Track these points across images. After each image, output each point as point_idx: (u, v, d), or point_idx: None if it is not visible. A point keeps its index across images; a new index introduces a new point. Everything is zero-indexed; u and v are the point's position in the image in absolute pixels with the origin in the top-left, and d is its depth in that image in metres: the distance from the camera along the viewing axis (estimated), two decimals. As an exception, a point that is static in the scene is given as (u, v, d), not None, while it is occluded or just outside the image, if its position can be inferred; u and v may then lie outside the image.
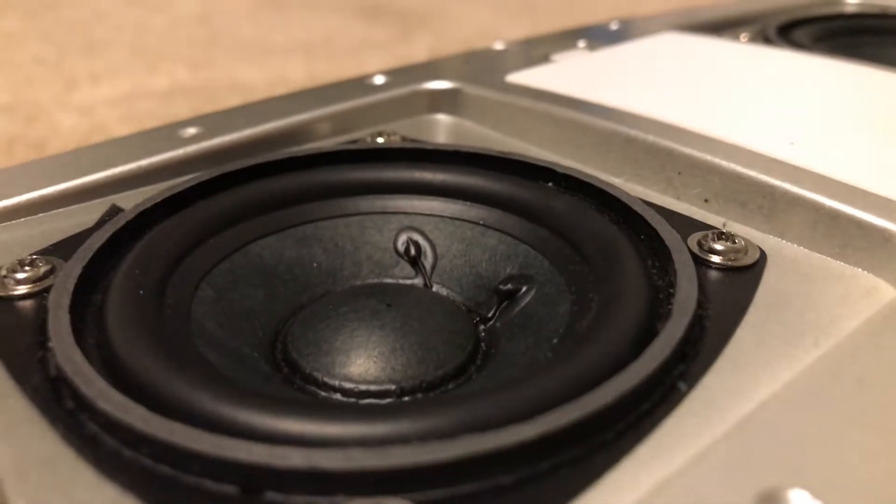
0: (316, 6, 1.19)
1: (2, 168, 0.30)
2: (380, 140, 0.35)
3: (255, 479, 0.15)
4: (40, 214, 0.28)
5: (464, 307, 0.27)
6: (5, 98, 0.72)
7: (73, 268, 0.22)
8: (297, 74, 0.79)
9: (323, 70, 0.81)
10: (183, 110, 0.34)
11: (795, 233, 0.26)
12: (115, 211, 0.28)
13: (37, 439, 0.17)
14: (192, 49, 0.92)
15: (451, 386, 0.23)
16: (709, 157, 0.29)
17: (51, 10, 1.18)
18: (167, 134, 0.33)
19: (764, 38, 0.51)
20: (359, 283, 0.28)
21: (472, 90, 0.38)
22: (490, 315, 0.27)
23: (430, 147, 0.31)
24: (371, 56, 0.87)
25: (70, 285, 0.21)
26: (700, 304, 0.22)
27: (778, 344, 0.20)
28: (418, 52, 0.89)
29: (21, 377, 0.19)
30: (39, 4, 1.22)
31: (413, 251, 0.29)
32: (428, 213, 0.29)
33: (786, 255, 0.25)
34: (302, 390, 0.23)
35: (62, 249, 0.25)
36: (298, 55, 0.88)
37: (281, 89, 0.40)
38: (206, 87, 0.75)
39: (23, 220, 0.28)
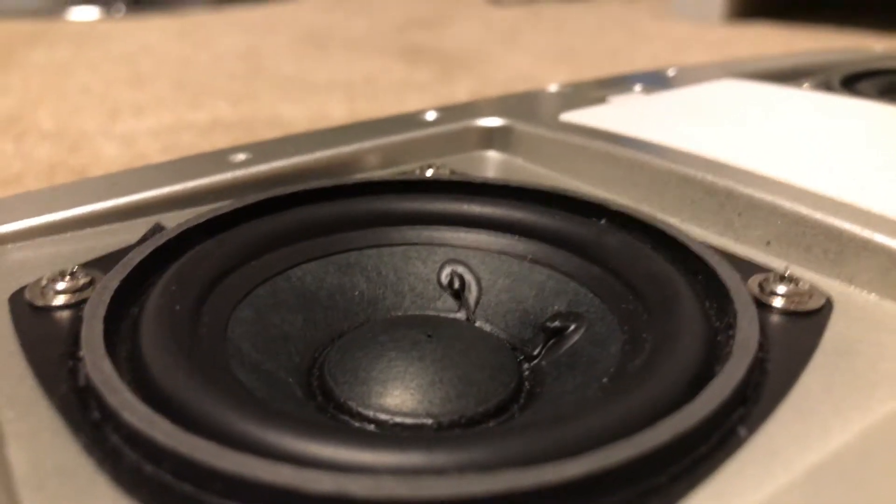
0: (357, 47, 1.22)
1: (52, 185, 0.31)
2: (429, 172, 0.34)
3: (280, 502, 0.14)
4: (87, 230, 0.28)
5: (508, 344, 0.26)
6: (51, 125, 0.74)
7: (111, 280, 0.22)
8: (337, 112, 0.80)
9: (364, 109, 0.82)
10: (223, 143, 0.34)
11: (865, 279, 0.24)
12: (158, 229, 0.27)
13: (58, 449, 0.16)
14: (233, 85, 0.94)
15: (491, 424, 0.22)
16: (771, 199, 0.27)
17: (100, 43, 1.22)
18: (217, 158, 0.33)
19: (827, 89, 0.50)
20: (400, 313, 0.27)
21: (524, 127, 0.38)
22: (535, 353, 0.25)
23: (478, 180, 0.31)
24: (412, 97, 0.88)
25: (106, 297, 0.21)
26: (761, 347, 0.20)
27: (848, 392, 0.19)
28: (459, 94, 0.89)
29: (50, 386, 0.18)
30: (90, 37, 1.27)
31: (457, 284, 0.28)
32: (474, 246, 0.29)
33: (854, 301, 0.24)
34: (335, 419, 0.22)
35: (104, 264, 0.24)
36: (339, 94, 0.88)
37: (322, 126, 0.40)
38: (247, 121, 0.76)
39: (69, 234, 0.28)
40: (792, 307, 0.23)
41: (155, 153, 0.66)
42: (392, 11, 1.62)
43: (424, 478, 0.15)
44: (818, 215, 0.26)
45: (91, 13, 1.54)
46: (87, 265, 0.25)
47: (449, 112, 0.40)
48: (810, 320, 0.22)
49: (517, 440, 0.16)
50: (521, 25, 1.48)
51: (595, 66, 1.04)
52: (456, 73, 1.00)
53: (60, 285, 0.23)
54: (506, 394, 0.23)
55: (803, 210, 0.26)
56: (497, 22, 1.52)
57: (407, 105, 0.80)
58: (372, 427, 0.21)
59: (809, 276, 0.25)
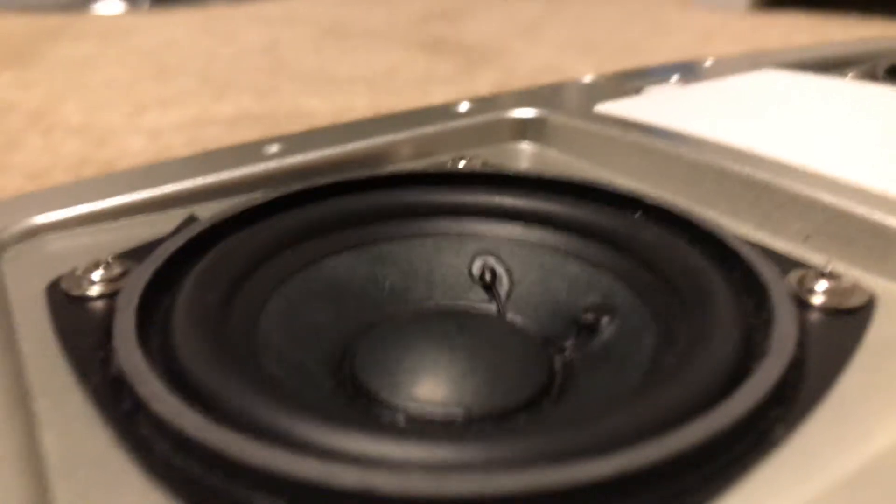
0: (379, 39, 1.21)
1: (89, 177, 0.31)
2: (461, 164, 0.34)
3: (305, 496, 0.14)
4: (122, 221, 0.29)
5: (539, 337, 0.26)
6: (79, 120, 0.75)
7: (145, 271, 0.22)
8: (361, 105, 0.80)
9: (387, 101, 0.82)
10: (248, 137, 0.34)
11: (910, 276, 0.24)
12: (192, 220, 0.28)
13: (90, 438, 0.16)
14: (258, 78, 0.94)
15: (522, 418, 0.22)
16: (811, 192, 0.27)
17: (125, 38, 1.24)
18: (250, 150, 0.33)
19: (872, 79, 0.49)
20: (431, 305, 0.27)
21: (558, 118, 0.37)
22: (567, 346, 0.25)
23: (511, 172, 0.30)
24: (435, 89, 0.87)
25: (139, 288, 0.21)
26: (800, 346, 0.20)
27: (890, 395, 0.18)
28: (482, 86, 0.88)
29: (84, 375, 0.19)
30: (115, 31, 1.29)
31: (488, 277, 0.28)
32: (506, 238, 0.28)
33: (899, 299, 0.23)
34: (365, 410, 0.22)
35: (138, 254, 0.25)
36: (362, 86, 0.88)
37: (345, 119, 0.40)
38: (272, 114, 0.76)
39: (105, 225, 0.28)
40: (833, 304, 0.22)
41: (180, 147, 0.66)
42: (412, 3, 1.61)
43: (451, 474, 0.15)
44: (861, 209, 0.25)
45: (116, 7, 1.56)
46: (122, 256, 0.25)
47: (481, 103, 0.40)
48: (852, 318, 0.22)
49: (547, 437, 0.16)
50: (542, 16, 1.46)
51: (619, 58, 1.03)
52: (478, 66, 1.00)
53: (95, 275, 0.23)
54: (537, 387, 0.22)
55: (845, 204, 0.26)
56: (518, 13, 1.50)
57: (430, 98, 0.80)
58: (402, 419, 0.21)
59: (851, 272, 0.24)
